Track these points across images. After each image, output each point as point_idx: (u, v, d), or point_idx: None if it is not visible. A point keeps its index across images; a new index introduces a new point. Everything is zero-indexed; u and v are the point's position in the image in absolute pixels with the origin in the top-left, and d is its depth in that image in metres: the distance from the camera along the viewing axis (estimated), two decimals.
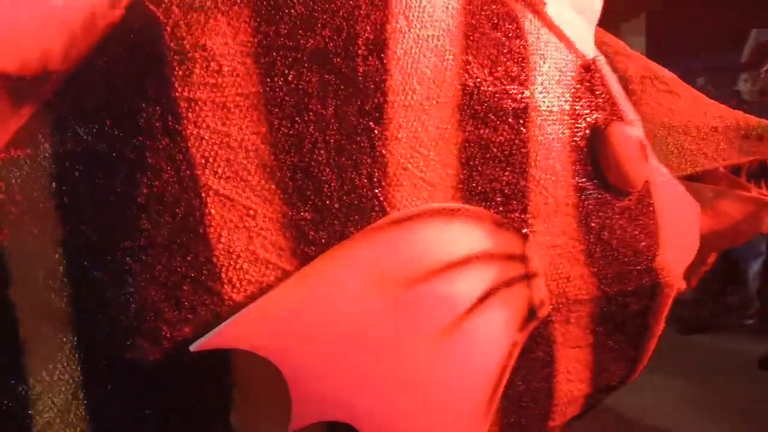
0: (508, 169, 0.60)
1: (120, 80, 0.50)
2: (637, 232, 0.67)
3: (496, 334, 0.57)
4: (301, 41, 0.53)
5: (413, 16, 0.57)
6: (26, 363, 0.51)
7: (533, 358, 0.63)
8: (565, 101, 0.64)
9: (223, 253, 0.50)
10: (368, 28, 0.55)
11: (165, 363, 0.49)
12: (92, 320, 0.50)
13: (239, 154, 0.51)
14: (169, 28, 0.51)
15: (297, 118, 0.52)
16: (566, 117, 0.64)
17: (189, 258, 0.50)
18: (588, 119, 0.65)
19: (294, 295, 0.50)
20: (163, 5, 0.52)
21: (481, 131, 0.59)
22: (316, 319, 0.51)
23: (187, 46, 0.51)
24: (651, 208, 0.69)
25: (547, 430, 0.68)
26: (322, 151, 0.53)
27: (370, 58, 0.54)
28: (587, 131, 0.65)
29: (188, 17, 0.52)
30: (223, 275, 0.50)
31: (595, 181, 0.64)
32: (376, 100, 0.54)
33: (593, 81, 0.67)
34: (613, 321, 0.67)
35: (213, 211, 0.50)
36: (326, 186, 0.53)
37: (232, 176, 0.51)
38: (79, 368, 0.50)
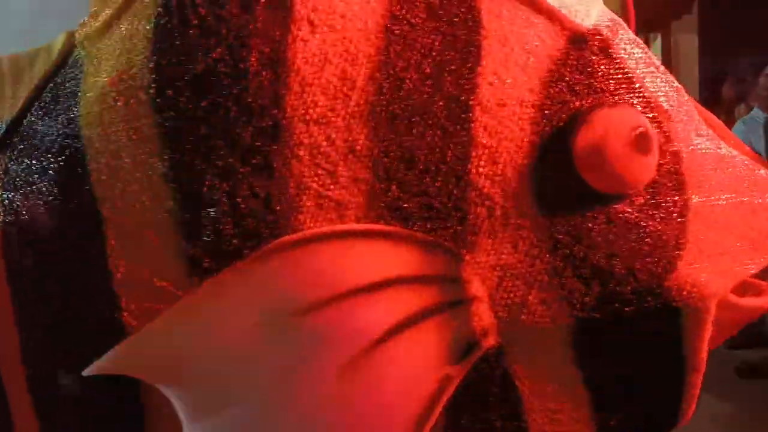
0: (439, 179, 0.51)
1: (37, 121, 0.55)
2: (635, 244, 0.53)
3: (417, 367, 0.50)
4: (190, 65, 0.52)
5: (320, 19, 0.52)
6: None
7: (484, 393, 0.54)
8: (530, 90, 0.53)
9: (123, 282, 0.52)
10: (263, 40, 0.51)
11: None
12: None
13: (134, 186, 0.52)
14: (87, 68, 0.55)
15: (186, 145, 0.52)
16: (529, 109, 0.53)
17: (91, 289, 0.53)
18: (566, 107, 0.53)
19: (179, 323, 0.50)
20: None
21: (404, 139, 0.51)
22: (203, 347, 0.50)
23: (88, 84, 0.54)
24: (669, 210, 0.54)
25: None
26: (213, 178, 0.51)
27: (263, 72, 0.51)
28: (561, 122, 0.53)
29: (98, 55, 0.55)
30: (123, 303, 0.52)
31: (568, 183, 0.52)
32: (272, 117, 0.51)
33: (586, 58, 0.55)
34: (608, 354, 0.55)
35: (112, 242, 0.53)
36: (218, 213, 0.51)
37: (126, 209, 0.52)
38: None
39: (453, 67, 0.52)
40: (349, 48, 0.52)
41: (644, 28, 3.37)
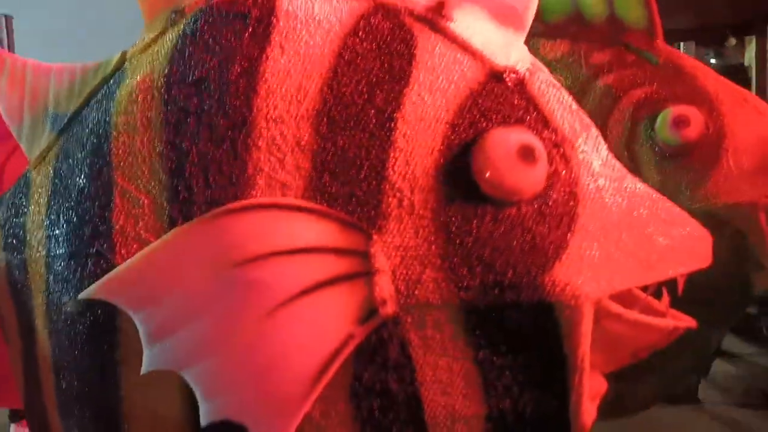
0: (363, 172, 0.64)
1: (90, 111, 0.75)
2: (517, 243, 0.62)
3: (326, 322, 0.61)
4: (192, 73, 0.69)
5: (288, 45, 0.68)
6: None
7: (384, 356, 0.63)
8: (447, 110, 0.65)
9: (119, 233, 0.68)
10: (244, 58, 0.68)
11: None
12: None
13: (138, 159, 0.69)
14: (127, 74, 0.74)
15: (179, 131, 0.68)
16: (443, 125, 0.65)
17: (98, 234, 0.69)
18: (476, 127, 0.65)
19: (145, 262, 0.64)
20: None
21: (339, 138, 0.65)
22: (164, 284, 0.64)
23: (123, 85, 0.72)
24: (556, 220, 0.63)
25: None
26: (194, 156, 0.67)
27: (240, 80, 0.67)
28: (468, 138, 0.64)
29: (136, 66, 0.74)
30: (117, 249, 0.68)
31: (464, 188, 0.63)
32: (241, 114, 0.66)
33: (501, 90, 0.66)
34: (495, 337, 0.63)
35: (117, 200, 0.69)
36: (195, 183, 0.66)
37: (132, 176, 0.69)
38: None
39: (385, 86, 0.66)
40: (307, 67, 0.67)
41: (739, 31, 3.25)
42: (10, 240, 0.81)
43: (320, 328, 0.62)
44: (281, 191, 0.65)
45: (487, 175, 0.62)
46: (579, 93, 1.15)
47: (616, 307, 0.65)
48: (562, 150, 0.66)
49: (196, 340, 0.63)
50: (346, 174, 0.64)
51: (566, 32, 1.23)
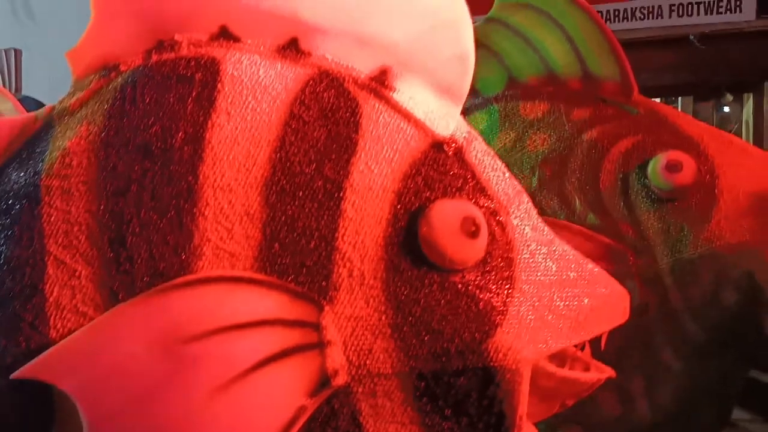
0: (313, 242, 0.64)
1: (13, 171, 0.70)
2: (462, 311, 0.65)
3: (277, 396, 0.61)
4: (132, 137, 0.67)
5: (235, 111, 0.67)
6: None
7: (335, 426, 0.64)
8: (393, 179, 0.67)
9: (53, 305, 0.65)
10: (189, 124, 0.66)
11: None
12: None
13: (75, 227, 0.66)
14: (56, 133, 0.70)
15: (120, 198, 0.66)
16: (390, 194, 0.66)
17: (28, 306, 0.65)
18: (420, 196, 0.67)
19: (87, 341, 0.62)
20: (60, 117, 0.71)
21: (288, 207, 0.65)
22: (106, 364, 0.61)
23: (54, 146, 0.69)
24: (496, 286, 0.67)
25: None
26: (136, 226, 0.65)
27: (185, 147, 0.66)
28: (413, 207, 0.66)
29: (67, 125, 0.70)
30: (51, 323, 0.65)
31: (411, 256, 0.65)
32: (187, 182, 0.65)
33: (442, 159, 0.69)
34: (442, 402, 0.65)
35: (50, 270, 0.66)
36: (137, 255, 0.64)
37: (67, 244, 0.66)
38: None
39: (333, 156, 0.66)
40: (255, 134, 0.66)
41: (737, 88, 3.44)
42: None
43: (272, 403, 0.61)
44: (229, 262, 0.64)
45: (433, 247, 0.65)
46: (566, 149, 1.19)
47: (550, 367, 0.69)
48: (498, 217, 0.69)
49: (142, 425, 0.61)
50: (297, 244, 0.65)
51: (543, 92, 1.26)
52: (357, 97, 0.69)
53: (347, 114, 0.68)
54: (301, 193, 0.65)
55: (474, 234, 0.65)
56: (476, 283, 0.66)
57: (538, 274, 0.69)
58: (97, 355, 0.62)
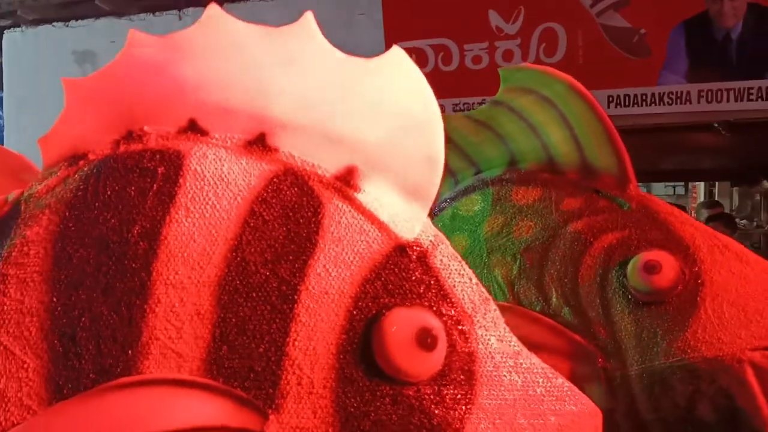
0: (263, 346, 0.63)
1: None
2: (414, 427, 0.62)
3: None
4: (90, 230, 0.66)
5: (194, 207, 0.66)
6: None
7: None
8: (351, 283, 0.65)
9: None
10: (147, 218, 0.66)
11: None
12: None
13: (26, 318, 0.65)
14: (20, 220, 0.70)
15: (73, 291, 0.65)
16: (347, 299, 0.65)
17: None
18: (378, 302, 0.65)
19: None
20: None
21: (240, 309, 0.63)
22: None
23: (17, 233, 0.69)
24: (454, 401, 0.64)
25: None
26: (86, 320, 0.64)
27: (141, 243, 0.65)
28: (371, 314, 0.64)
29: (32, 211, 0.70)
30: None
31: (365, 366, 0.63)
32: (140, 278, 0.64)
33: (404, 264, 0.67)
34: None
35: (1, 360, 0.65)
36: (85, 350, 0.63)
37: (18, 335, 0.65)
38: None
39: (290, 257, 0.65)
40: (212, 232, 0.66)
41: None
42: None
43: None
44: (176, 362, 0.63)
45: (386, 358, 0.63)
46: (549, 239, 1.15)
47: None
48: (461, 327, 0.67)
49: None
50: (246, 347, 0.63)
51: (539, 178, 1.23)
52: (320, 196, 0.68)
53: (309, 213, 0.67)
54: (254, 294, 0.64)
55: (430, 346, 0.63)
56: (431, 397, 0.64)
57: (502, 389, 0.66)
58: None
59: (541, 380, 0.69)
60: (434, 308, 0.66)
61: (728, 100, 2.61)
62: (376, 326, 0.64)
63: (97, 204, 0.68)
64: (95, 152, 0.72)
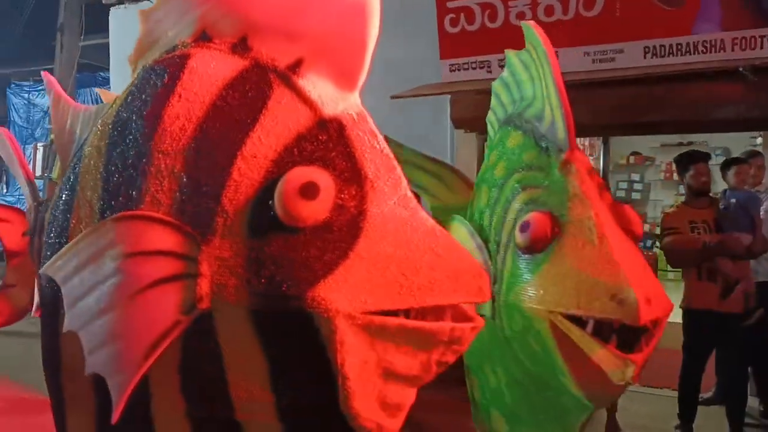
0: (205, 196, 0.82)
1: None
2: (296, 264, 0.76)
3: (164, 308, 0.80)
4: (124, 115, 0.96)
5: (184, 94, 0.88)
6: None
7: (201, 343, 0.80)
8: (275, 150, 0.81)
9: (74, 228, 0.98)
10: (156, 104, 0.91)
11: None
12: None
13: (89, 177, 0.98)
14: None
15: (111, 158, 0.95)
16: (268, 162, 0.81)
17: (64, 228, 1.01)
18: (291, 164, 0.80)
19: (68, 251, 0.87)
20: None
21: (197, 168, 0.84)
22: (78, 264, 0.85)
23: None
24: (333, 247, 0.76)
25: (231, 418, 0.82)
26: (116, 177, 0.92)
27: (148, 121, 0.90)
28: (281, 173, 0.79)
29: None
30: (70, 241, 0.96)
31: (269, 215, 0.78)
32: (145, 147, 0.89)
33: (321, 135, 0.81)
34: (280, 340, 0.77)
35: (75, 205, 0.98)
36: (114, 198, 0.91)
37: (84, 187, 0.98)
38: None
39: (237, 129, 0.83)
40: (190, 111, 0.86)
41: None
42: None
43: (159, 313, 0.80)
44: (157, 208, 0.85)
45: (278, 204, 0.77)
46: (505, 180, 1.43)
47: (379, 320, 0.75)
48: (357, 186, 0.78)
49: (87, 309, 0.84)
50: (198, 197, 0.82)
51: (523, 127, 1.46)
52: (273, 83, 0.85)
53: (260, 96, 0.84)
54: (208, 158, 0.83)
55: (311, 196, 0.76)
56: (314, 241, 0.76)
57: (384, 242, 0.76)
58: (73, 259, 0.86)
59: (427, 239, 0.77)
60: (332, 167, 0.78)
61: (762, 47, 2.54)
62: (280, 181, 0.78)
63: (133, 97, 0.94)
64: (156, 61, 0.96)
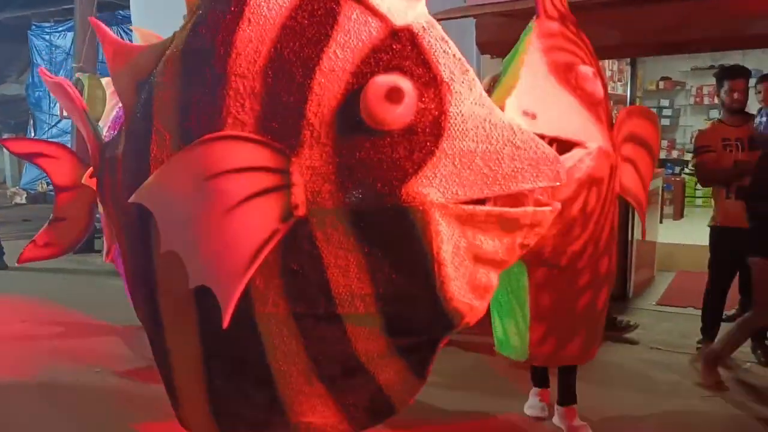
0: (290, 112, 0.88)
1: None
2: (385, 164, 0.83)
3: (261, 220, 0.87)
4: (196, 44, 0.99)
5: (253, 18, 0.92)
6: None
7: (300, 247, 0.87)
8: (352, 63, 0.86)
9: (154, 159, 1.00)
10: (226, 30, 0.94)
11: None
12: None
13: (164, 107, 1.01)
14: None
15: (186, 87, 0.99)
16: (348, 75, 0.86)
17: (143, 157, 1.03)
18: (368, 74, 0.85)
19: (157, 178, 0.93)
20: None
21: (277, 87, 0.89)
22: (167, 191, 0.92)
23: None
24: (419, 147, 0.83)
25: (333, 312, 0.90)
26: (194, 104, 0.96)
27: (221, 47, 0.93)
28: (362, 84, 0.85)
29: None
30: (152, 170, 0.99)
31: (355, 122, 0.84)
32: (221, 71, 0.93)
33: (395, 45, 0.86)
34: (375, 236, 0.85)
35: (153, 136, 1.01)
36: (194, 124, 0.95)
37: (160, 118, 1.01)
38: None
39: (312, 47, 0.88)
40: (262, 34, 0.91)
41: None
42: None
43: (257, 224, 0.87)
44: (241, 128, 0.90)
45: (364, 110, 0.83)
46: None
47: (469, 208, 0.83)
48: (435, 90, 0.84)
49: (185, 228, 0.91)
50: (281, 114, 0.88)
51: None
52: (340, 0, 0.89)
53: (330, 13, 0.89)
54: (287, 76, 0.88)
55: (397, 100, 0.82)
56: (401, 143, 0.83)
57: (466, 138, 0.83)
58: (161, 186, 0.93)
59: (504, 133, 0.83)
60: (410, 74, 0.84)
61: None
62: (363, 89, 0.84)
63: (202, 27, 0.97)
64: None
